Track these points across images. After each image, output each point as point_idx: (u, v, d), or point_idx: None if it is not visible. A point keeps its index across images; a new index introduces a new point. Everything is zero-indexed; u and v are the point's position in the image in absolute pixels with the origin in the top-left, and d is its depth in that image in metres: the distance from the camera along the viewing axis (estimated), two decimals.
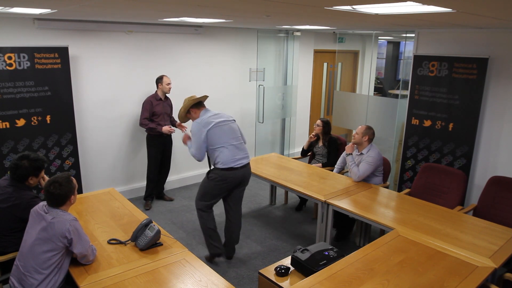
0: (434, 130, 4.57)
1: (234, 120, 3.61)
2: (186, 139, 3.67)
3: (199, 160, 3.46)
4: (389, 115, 5.35)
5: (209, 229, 3.64)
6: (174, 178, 5.68)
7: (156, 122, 4.76)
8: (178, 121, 5.02)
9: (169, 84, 4.78)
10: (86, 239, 2.36)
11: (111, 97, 4.91)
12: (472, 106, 4.23)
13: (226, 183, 3.49)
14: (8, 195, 2.68)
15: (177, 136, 5.40)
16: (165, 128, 4.72)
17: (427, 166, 4.10)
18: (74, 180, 2.44)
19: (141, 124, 4.75)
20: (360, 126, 4.12)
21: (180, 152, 5.65)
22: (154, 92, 4.82)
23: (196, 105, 3.54)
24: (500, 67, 4.10)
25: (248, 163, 3.57)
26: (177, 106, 5.11)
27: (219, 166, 3.43)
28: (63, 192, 2.32)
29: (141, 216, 3.10)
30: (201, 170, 5.91)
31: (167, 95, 4.88)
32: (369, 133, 4.05)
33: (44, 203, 2.38)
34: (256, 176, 4.27)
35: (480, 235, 2.93)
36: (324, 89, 7.80)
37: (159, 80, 4.77)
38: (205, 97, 3.62)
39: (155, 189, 5.15)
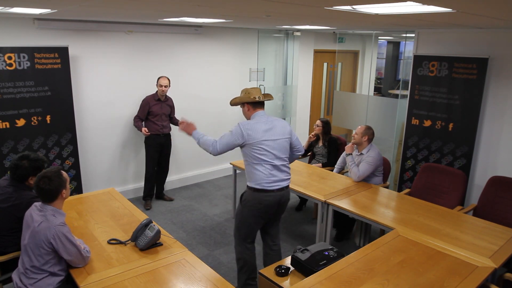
0: (434, 130, 4.57)
1: (289, 137, 3.04)
2: (188, 129, 3.07)
3: (214, 153, 2.91)
4: (389, 115, 5.36)
5: (248, 264, 3.10)
6: (174, 178, 5.68)
7: (152, 121, 4.77)
8: (181, 120, 5.01)
9: (162, 86, 4.69)
10: (72, 246, 2.23)
11: (111, 97, 4.91)
12: (472, 106, 4.23)
13: (261, 208, 2.96)
14: (8, 195, 2.68)
15: (177, 136, 5.40)
16: (143, 131, 4.68)
17: (427, 166, 4.10)
18: (65, 174, 2.38)
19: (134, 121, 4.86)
20: (359, 126, 4.12)
21: (180, 152, 5.65)
22: (154, 92, 4.82)
23: (253, 103, 3.04)
24: (500, 67, 4.10)
25: (287, 186, 3.04)
26: (176, 106, 5.13)
27: (252, 185, 2.95)
28: (52, 187, 2.27)
29: (141, 216, 3.09)
30: (202, 170, 5.93)
31: (167, 95, 4.87)
32: (369, 133, 4.05)
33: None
34: None
35: (480, 235, 2.93)
36: (324, 89, 7.80)
37: (157, 81, 4.77)
38: (269, 97, 3.07)
39: (154, 189, 5.15)
